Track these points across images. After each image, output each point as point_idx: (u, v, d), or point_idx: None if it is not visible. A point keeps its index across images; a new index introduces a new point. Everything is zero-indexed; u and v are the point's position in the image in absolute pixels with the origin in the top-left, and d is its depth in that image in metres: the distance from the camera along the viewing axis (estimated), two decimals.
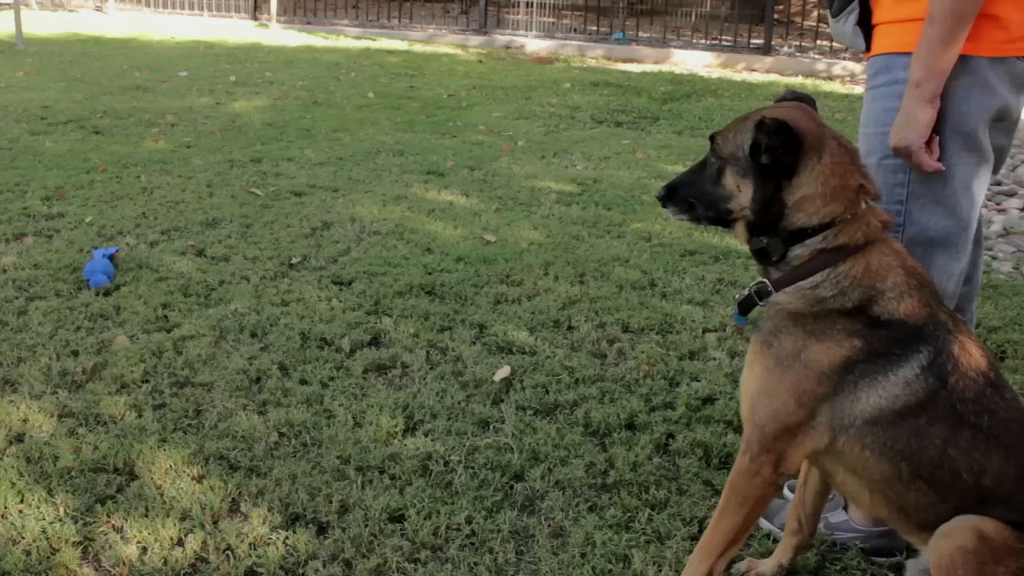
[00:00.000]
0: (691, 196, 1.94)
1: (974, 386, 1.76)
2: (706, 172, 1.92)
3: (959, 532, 1.70)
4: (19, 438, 2.70)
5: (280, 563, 2.20)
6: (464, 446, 2.69)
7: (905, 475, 1.77)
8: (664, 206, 1.99)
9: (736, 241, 4.65)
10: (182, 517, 2.35)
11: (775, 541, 2.32)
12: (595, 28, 13.66)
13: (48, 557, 2.19)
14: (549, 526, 2.37)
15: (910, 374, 1.76)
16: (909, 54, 1.98)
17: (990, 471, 1.73)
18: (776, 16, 12.91)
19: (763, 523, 2.39)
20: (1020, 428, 1.77)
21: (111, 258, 3.97)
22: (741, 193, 1.86)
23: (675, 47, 12.28)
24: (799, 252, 1.84)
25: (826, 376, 1.79)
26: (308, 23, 14.45)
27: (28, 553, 2.20)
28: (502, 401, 2.98)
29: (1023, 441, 1.75)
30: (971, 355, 1.79)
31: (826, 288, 1.81)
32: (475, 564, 2.22)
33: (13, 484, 2.45)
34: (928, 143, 1.98)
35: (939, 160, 2.01)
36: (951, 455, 1.74)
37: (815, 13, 14.50)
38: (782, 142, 1.78)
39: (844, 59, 11.26)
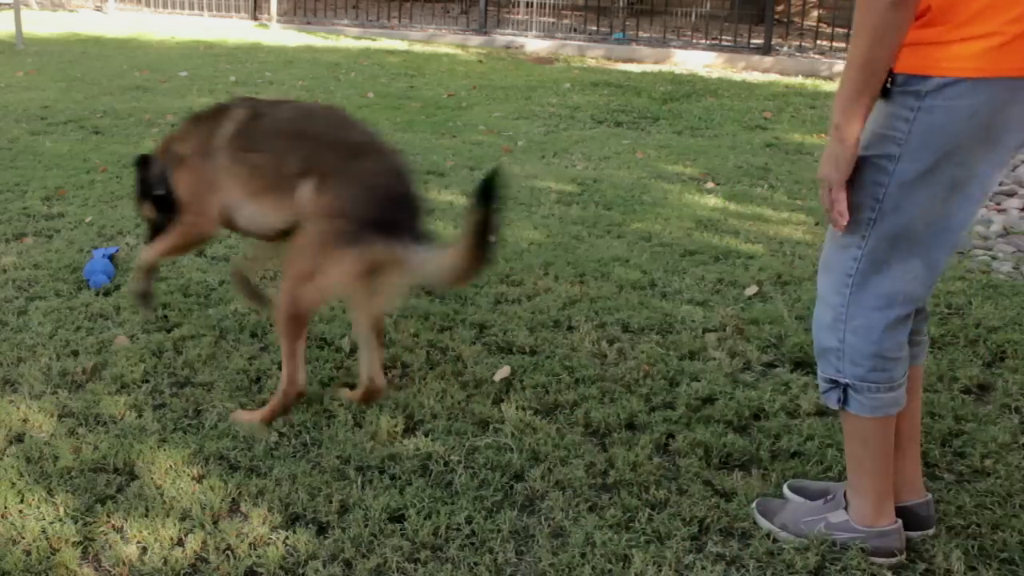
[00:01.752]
0: None
1: None
2: None
3: None
4: (19, 438, 2.70)
5: (280, 563, 2.20)
6: (464, 446, 2.69)
7: None
8: None
9: (737, 242, 4.61)
10: (182, 517, 2.36)
11: (775, 540, 2.32)
12: (595, 28, 13.66)
13: (48, 557, 2.19)
14: (549, 526, 2.37)
15: None
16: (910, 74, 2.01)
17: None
18: (776, 16, 12.90)
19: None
20: None
21: (111, 258, 3.97)
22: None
23: (675, 47, 12.26)
24: None
25: None
26: (308, 23, 14.44)
27: (28, 553, 2.20)
28: (502, 401, 2.98)
29: None
30: None
31: None
32: (475, 564, 2.22)
33: (13, 484, 2.45)
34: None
35: None
36: None
37: (815, 13, 14.52)
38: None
39: (844, 59, 11.26)
